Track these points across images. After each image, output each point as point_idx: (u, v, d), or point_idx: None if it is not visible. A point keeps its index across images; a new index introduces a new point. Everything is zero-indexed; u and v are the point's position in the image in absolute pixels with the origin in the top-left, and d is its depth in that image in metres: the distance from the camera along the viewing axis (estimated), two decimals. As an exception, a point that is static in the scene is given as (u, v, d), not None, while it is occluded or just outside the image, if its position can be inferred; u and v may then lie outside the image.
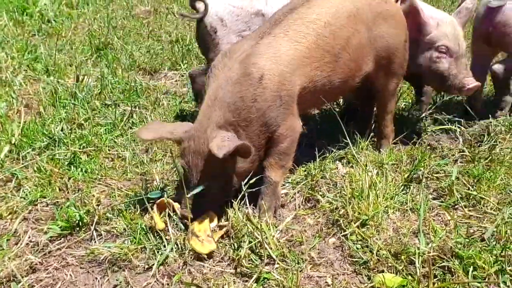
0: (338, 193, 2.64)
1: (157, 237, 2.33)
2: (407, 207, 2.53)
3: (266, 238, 2.23)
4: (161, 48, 5.24)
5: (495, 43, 3.28)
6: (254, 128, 2.43)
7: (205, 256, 2.22)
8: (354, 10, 2.67)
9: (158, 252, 2.25)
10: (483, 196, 2.54)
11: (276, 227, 2.40)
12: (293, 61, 2.48)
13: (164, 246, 2.26)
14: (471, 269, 2.03)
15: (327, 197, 2.64)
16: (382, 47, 2.81)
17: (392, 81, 2.97)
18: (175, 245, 2.27)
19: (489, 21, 3.21)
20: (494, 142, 3.05)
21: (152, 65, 4.77)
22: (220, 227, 2.38)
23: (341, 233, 2.37)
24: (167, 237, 2.30)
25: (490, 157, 2.90)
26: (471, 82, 3.01)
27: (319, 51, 2.55)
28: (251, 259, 2.20)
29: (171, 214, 2.38)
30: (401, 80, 3.09)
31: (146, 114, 3.69)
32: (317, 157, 2.89)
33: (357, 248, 2.26)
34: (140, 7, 7.16)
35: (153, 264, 2.19)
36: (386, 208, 2.49)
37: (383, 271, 2.12)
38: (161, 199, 2.44)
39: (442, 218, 2.49)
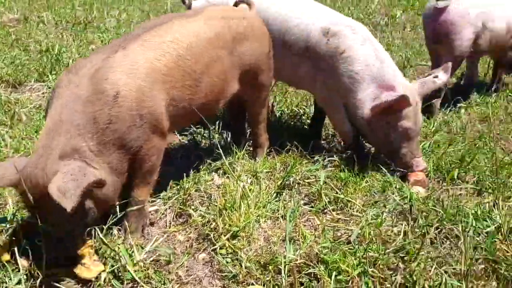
0: (210, 205, 2.55)
1: (3, 269, 2.05)
2: (278, 214, 2.51)
3: (128, 260, 2.07)
4: (28, 59, 4.82)
5: (438, 42, 3.54)
6: (112, 152, 2.12)
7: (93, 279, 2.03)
8: (213, 36, 2.55)
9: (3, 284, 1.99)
10: (350, 199, 2.60)
11: (143, 248, 2.25)
12: (151, 74, 2.24)
13: (10, 279, 2.00)
14: (335, 273, 2.04)
15: (200, 210, 2.54)
16: (246, 65, 2.73)
17: (261, 93, 2.95)
18: (25, 276, 2.01)
19: (436, 21, 3.44)
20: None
21: (17, 76, 4.35)
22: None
23: (211, 247, 2.28)
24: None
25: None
26: (419, 165, 2.85)
27: (179, 72, 2.37)
28: (112, 284, 2.02)
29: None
30: (269, 90, 3.09)
31: (4, 130, 3.32)
32: (191, 169, 2.78)
33: (227, 262, 2.18)
34: (8, 15, 6.59)
35: (-3, 300, 1.93)
36: (258, 218, 2.44)
37: (252, 284, 2.06)
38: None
39: (312, 223, 2.51)
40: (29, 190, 1.93)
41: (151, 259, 2.21)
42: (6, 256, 2.06)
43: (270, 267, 2.10)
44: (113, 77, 2.11)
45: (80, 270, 2.02)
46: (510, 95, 4.27)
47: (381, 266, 2.11)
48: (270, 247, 2.26)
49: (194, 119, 2.69)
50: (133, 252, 2.14)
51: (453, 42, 3.51)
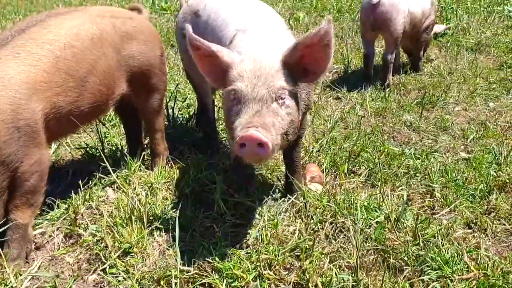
0: (102, 223, 2.41)
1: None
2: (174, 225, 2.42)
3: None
4: None
5: (377, 28, 4.45)
6: None
7: None
8: (98, 33, 2.45)
9: None
10: (249, 203, 2.57)
11: (21, 274, 2.07)
12: (27, 85, 2.12)
13: None
14: (229, 280, 1.99)
15: (91, 229, 2.39)
16: (135, 66, 2.65)
17: (154, 98, 2.85)
18: None
19: (373, 13, 4.38)
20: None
21: None
22: None
23: (101, 267, 2.15)
24: None
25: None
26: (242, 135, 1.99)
27: (60, 75, 2.25)
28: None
29: None
30: (164, 96, 3.01)
31: None
32: (82, 186, 2.62)
33: (118, 281, 2.06)
34: None
35: None
36: (152, 231, 2.35)
37: (145, 301, 1.96)
38: None
39: (210, 231, 2.44)
40: None
41: (35, 286, 2.05)
42: None
43: (162, 282, 2.01)
44: None
45: None
46: (403, 89, 4.49)
47: (276, 267, 2.10)
48: (166, 261, 2.17)
49: (83, 123, 2.55)
50: (10, 282, 1.96)
51: (390, 27, 4.37)
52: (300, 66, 2.12)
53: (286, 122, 2.07)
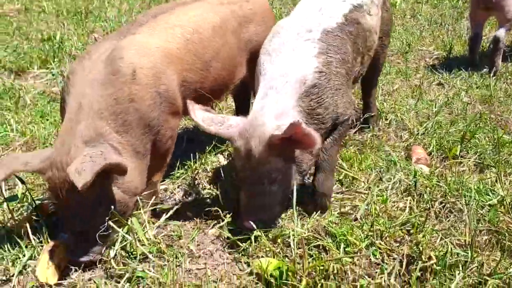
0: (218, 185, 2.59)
1: (17, 245, 2.09)
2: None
3: (138, 236, 2.11)
4: (30, 47, 4.83)
5: (491, 8, 4.24)
6: (135, 133, 2.12)
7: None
8: (219, 21, 2.56)
9: (17, 261, 2.03)
10: (355, 177, 2.64)
11: (154, 223, 2.29)
12: (164, 54, 2.26)
13: (24, 255, 2.04)
14: (343, 245, 2.08)
15: (208, 189, 2.59)
16: (253, 48, 2.73)
17: None
18: (37, 253, 2.06)
19: None
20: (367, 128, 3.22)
21: (19, 64, 4.37)
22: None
23: (220, 223, 2.32)
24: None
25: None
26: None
27: (189, 55, 2.39)
28: (124, 258, 2.06)
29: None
30: None
31: (9, 115, 3.35)
32: (197, 152, 2.83)
33: (235, 236, 2.22)
34: (8, 5, 6.59)
35: (13, 275, 1.97)
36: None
37: (262, 256, 2.10)
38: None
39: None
40: (54, 177, 1.94)
41: (163, 234, 2.26)
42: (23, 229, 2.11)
43: (279, 240, 2.15)
44: (128, 56, 2.12)
45: (40, 269, 1.95)
46: (510, 78, 4.30)
47: (387, 239, 2.16)
48: (280, 222, 2.30)
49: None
50: (145, 227, 2.18)
51: (505, 7, 4.17)
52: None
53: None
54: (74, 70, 2.17)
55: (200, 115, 2.22)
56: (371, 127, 3.22)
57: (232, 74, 2.67)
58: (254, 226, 2.15)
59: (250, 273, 2.02)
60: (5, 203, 2.32)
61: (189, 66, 2.40)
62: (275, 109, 2.19)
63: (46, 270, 1.96)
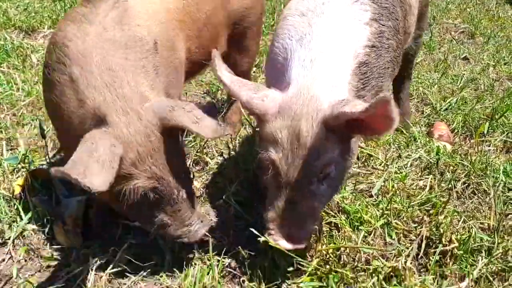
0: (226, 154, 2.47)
1: (14, 207, 2.00)
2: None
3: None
4: (41, 6, 4.69)
5: None
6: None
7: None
8: None
9: (14, 224, 1.94)
10: (371, 153, 2.49)
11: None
12: (171, 19, 2.00)
13: (21, 218, 1.95)
14: (357, 224, 1.96)
15: (216, 159, 2.47)
16: (235, 21, 2.46)
17: (244, 60, 2.65)
18: (36, 216, 1.96)
19: None
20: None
21: (30, 23, 4.24)
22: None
23: (225, 194, 2.20)
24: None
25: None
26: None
27: (188, 19, 2.13)
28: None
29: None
30: (254, 60, 2.84)
31: (16, 74, 3.24)
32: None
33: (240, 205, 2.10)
34: (20, -37, 6.42)
35: (9, 238, 1.88)
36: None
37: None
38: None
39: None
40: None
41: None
42: (17, 189, 2.03)
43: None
44: (144, 23, 1.83)
45: (57, 230, 1.91)
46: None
47: (405, 219, 2.03)
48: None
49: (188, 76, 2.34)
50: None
51: None
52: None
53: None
54: (70, 36, 1.72)
55: (227, 76, 1.70)
56: (403, 130, 2.69)
57: (213, 46, 2.31)
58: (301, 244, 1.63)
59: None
60: (5, 163, 2.24)
61: (190, 32, 2.15)
62: (331, 80, 1.66)
63: (66, 235, 1.90)
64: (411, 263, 1.77)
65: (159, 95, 1.74)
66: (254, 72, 3.40)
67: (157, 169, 1.61)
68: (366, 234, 1.91)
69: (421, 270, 1.84)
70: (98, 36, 1.71)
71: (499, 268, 1.79)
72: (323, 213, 1.99)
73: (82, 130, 1.58)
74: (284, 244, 1.60)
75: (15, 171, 2.25)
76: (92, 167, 1.43)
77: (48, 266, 1.82)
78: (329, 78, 1.65)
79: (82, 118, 1.62)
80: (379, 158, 2.48)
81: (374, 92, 1.84)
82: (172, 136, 1.66)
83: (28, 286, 1.69)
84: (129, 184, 1.58)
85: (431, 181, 2.21)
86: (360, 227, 1.95)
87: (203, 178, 2.37)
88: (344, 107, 1.50)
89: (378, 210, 2.03)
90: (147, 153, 1.59)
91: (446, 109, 3.00)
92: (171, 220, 1.68)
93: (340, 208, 2.05)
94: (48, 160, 2.28)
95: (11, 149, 2.50)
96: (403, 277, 1.72)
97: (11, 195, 2.06)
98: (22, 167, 2.29)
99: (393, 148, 2.57)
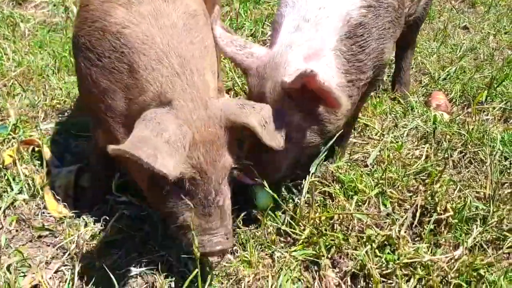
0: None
1: (5, 178, 1.98)
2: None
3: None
4: (32, -25, 4.57)
5: None
6: None
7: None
8: None
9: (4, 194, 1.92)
10: (367, 123, 2.45)
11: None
12: None
13: (12, 188, 1.92)
14: (351, 193, 1.94)
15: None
16: None
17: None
18: (26, 186, 1.94)
19: None
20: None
21: (21, -8, 4.14)
22: None
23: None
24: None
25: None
26: None
27: None
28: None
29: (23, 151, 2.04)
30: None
31: (6, 44, 3.17)
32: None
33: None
34: None
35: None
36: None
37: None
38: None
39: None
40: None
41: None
42: (8, 160, 2.00)
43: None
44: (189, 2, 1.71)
45: (48, 198, 1.90)
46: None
47: (400, 188, 2.00)
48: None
49: None
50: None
51: None
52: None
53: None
54: (129, 22, 1.57)
55: (219, 30, 1.82)
56: (400, 100, 2.67)
57: None
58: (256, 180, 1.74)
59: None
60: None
61: None
62: (307, 47, 1.73)
63: (56, 203, 1.89)
64: (405, 232, 1.75)
65: (216, 79, 1.67)
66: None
67: (204, 162, 1.48)
68: (360, 203, 1.88)
69: (416, 239, 1.82)
70: (155, 19, 1.57)
71: (494, 236, 1.78)
72: (317, 182, 1.97)
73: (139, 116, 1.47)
74: (247, 181, 1.76)
75: (5, 141, 2.21)
76: (163, 149, 1.33)
77: (40, 236, 1.80)
78: (306, 46, 1.73)
79: (142, 106, 1.51)
80: (375, 128, 2.44)
81: (375, 55, 1.84)
82: (231, 137, 1.56)
83: (18, 255, 1.67)
84: None
85: (427, 151, 2.19)
86: (354, 197, 1.93)
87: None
88: (286, 77, 1.64)
89: (373, 180, 2.01)
90: (202, 141, 1.47)
91: (445, 78, 2.94)
92: (195, 222, 1.48)
93: (335, 177, 2.02)
94: (39, 131, 2.25)
95: (1, 120, 2.46)
96: (396, 245, 1.70)
97: (1, 165, 2.02)
98: (13, 138, 2.25)
99: (390, 118, 2.53)
